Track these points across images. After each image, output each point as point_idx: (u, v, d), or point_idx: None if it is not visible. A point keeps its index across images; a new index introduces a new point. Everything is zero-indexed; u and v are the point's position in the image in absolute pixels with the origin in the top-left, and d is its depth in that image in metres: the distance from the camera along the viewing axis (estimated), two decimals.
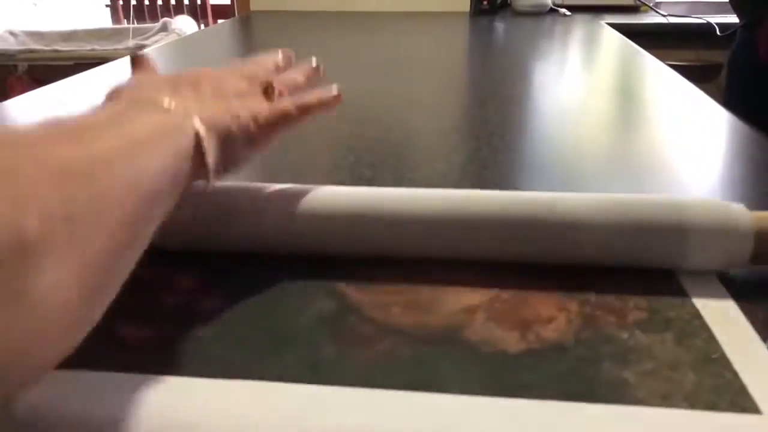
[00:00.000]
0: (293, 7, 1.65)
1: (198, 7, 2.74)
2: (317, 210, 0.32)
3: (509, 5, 1.57)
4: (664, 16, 1.48)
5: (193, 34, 1.34)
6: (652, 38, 1.36)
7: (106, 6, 2.99)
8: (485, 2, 1.47)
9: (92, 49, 1.97)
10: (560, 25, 1.37)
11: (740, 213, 0.31)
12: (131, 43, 1.99)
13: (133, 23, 2.83)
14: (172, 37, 2.07)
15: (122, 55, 1.55)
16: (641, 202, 0.31)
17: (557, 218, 0.31)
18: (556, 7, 1.52)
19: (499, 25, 1.36)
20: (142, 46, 1.98)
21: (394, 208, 0.32)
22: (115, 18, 2.96)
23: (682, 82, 0.77)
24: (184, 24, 2.28)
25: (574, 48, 1.10)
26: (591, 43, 1.17)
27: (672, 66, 0.88)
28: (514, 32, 1.28)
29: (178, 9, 2.74)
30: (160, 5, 2.79)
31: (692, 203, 0.31)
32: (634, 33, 1.28)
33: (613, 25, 1.35)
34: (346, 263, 0.33)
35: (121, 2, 2.81)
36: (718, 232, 0.30)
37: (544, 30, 1.30)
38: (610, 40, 1.17)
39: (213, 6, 2.81)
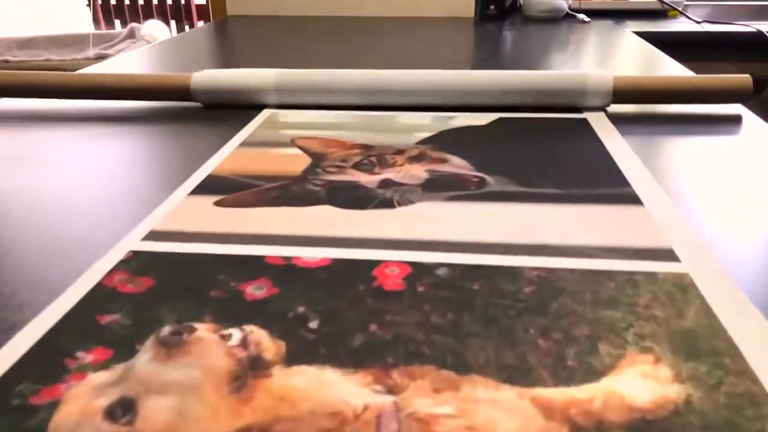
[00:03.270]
0: (274, 11, 1.47)
1: (182, 8, 2.55)
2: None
3: (519, 10, 1.39)
4: (698, 22, 1.29)
5: (162, 42, 1.15)
6: (683, 48, 1.17)
7: (87, 6, 2.82)
8: (492, 7, 1.29)
9: (47, 60, 1.76)
10: (578, 33, 1.18)
11: (608, 76, 0.57)
12: (92, 52, 1.77)
13: (115, 26, 2.65)
14: (140, 45, 1.87)
15: (81, 66, 1.37)
16: (567, 72, 0.58)
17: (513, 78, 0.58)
18: (573, 12, 1.34)
19: (508, 34, 1.18)
20: (104, 56, 1.78)
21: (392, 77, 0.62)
22: (96, 19, 2.78)
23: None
24: (155, 29, 2.04)
25: (597, 61, 0.92)
26: (617, 54, 0.99)
27: None
28: (524, 42, 1.10)
29: (161, 11, 2.56)
30: (141, 5, 2.60)
31: (588, 73, 0.58)
32: (663, 42, 1.10)
33: (638, 34, 1.17)
34: None
35: (100, 2, 2.62)
36: (600, 85, 0.57)
37: (559, 39, 1.12)
38: (639, 51, 0.99)
39: (198, 6, 2.62)
